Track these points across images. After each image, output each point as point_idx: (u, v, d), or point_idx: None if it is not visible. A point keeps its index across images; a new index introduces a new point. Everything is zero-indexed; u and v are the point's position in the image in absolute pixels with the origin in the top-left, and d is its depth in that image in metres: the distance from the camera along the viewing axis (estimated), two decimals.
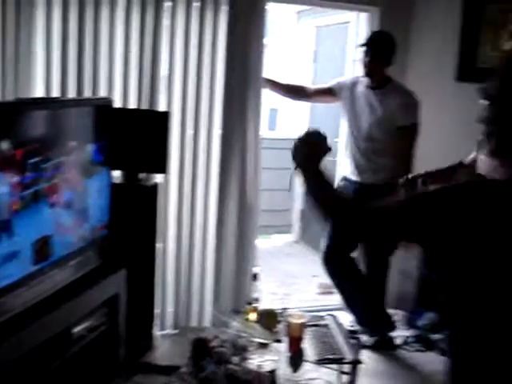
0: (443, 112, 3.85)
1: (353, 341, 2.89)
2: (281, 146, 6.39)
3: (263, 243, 5.80)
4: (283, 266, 5.23)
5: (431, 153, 3.49)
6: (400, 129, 3.37)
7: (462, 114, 3.73)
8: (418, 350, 3.59)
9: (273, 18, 5.27)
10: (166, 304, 3.60)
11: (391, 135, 3.42)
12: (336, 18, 4.65)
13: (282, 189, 6.16)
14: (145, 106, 3.37)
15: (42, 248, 2.23)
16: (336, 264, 3.58)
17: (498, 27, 3.70)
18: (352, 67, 4.15)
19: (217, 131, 3.55)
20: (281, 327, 2.84)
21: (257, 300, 2.96)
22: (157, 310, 3.51)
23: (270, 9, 4.05)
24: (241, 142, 3.59)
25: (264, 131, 7.61)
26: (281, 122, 7.61)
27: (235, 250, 3.66)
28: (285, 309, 2.99)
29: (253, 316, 2.91)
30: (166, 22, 3.35)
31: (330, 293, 4.16)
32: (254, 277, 2.96)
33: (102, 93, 3.28)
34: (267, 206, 6.02)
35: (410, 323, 3.83)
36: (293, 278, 4.92)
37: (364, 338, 3.55)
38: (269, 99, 4.16)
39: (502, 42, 3.68)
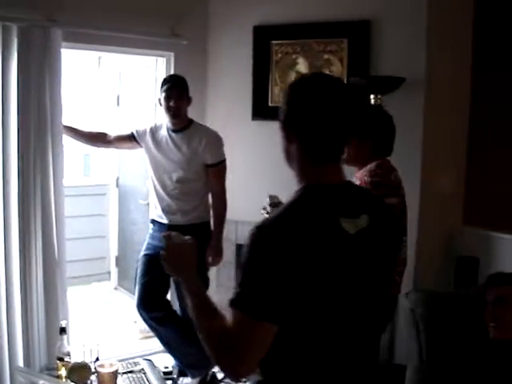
0: (243, 148, 4.04)
1: (169, 383, 2.88)
2: (95, 192, 6.29)
3: (82, 293, 5.62)
4: (103, 314, 5.10)
5: (235, 187, 3.67)
6: (209, 166, 3.48)
7: (260, 149, 3.97)
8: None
9: (74, 63, 5.20)
10: None
11: (201, 175, 3.51)
12: (137, 62, 4.70)
13: (98, 236, 6.09)
14: None
15: None
16: (150, 310, 3.56)
17: (286, 68, 4.00)
18: (154, 110, 4.21)
19: (14, 181, 3.38)
20: (92, 379, 2.74)
21: (68, 354, 2.83)
22: None
23: (70, 54, 4.01)
24: (42, 192, 3.46)
25: (79, 178, 7.44)
26: (94, 167, 7.46)
27: (44, 305, 3.49)
28: (97, 359, 2.89)
29: (63, 371, 2.78)
30: None
31: (151, 337, 4.11)
32: (63, 330, 2.83)
33: None
34: (84, 255, 5.88)
35: None
36: (113, 325, 4.80)
37: (186, 380, 3.53)
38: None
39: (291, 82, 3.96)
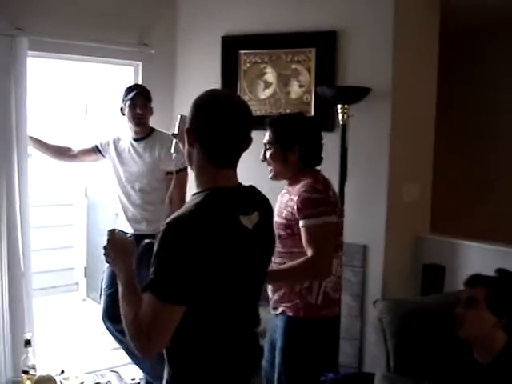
0: None
1: None
2: (63, 202, 6.19)
3: (50, 305, 5.53)
4: (71, 326, 5.02)
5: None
6: (170, 173, 3.44)
7: None
8: None
9: (41, 72, 5.14)
10: None
11: (163, 184, 3.49)
12: (105, 71, 4.67)
13: (66, 246, 6.01)
14: None
15: None
16: (116, 321, 3.51)
17: (254, 77, 4.01)
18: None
19: None
20: None
21: (33, 367, 2.79)
22: None
23: (38, 62, 3.96)
24: (7, 202, 3.41)
25: (47, 188, 7.29)
26: (63, 177, 7.32)
27: (9, 317, 3.43)
28: (62, 372, 2.86)
29: None
30: None
31: (120, 348, 4.06)
32: (28, 343, 2.79)
33: None
34: (53, 266, 5.79)
35: None
36: (81, 337, 4.73)
37: None
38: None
39: (259, 91, 4.00)
